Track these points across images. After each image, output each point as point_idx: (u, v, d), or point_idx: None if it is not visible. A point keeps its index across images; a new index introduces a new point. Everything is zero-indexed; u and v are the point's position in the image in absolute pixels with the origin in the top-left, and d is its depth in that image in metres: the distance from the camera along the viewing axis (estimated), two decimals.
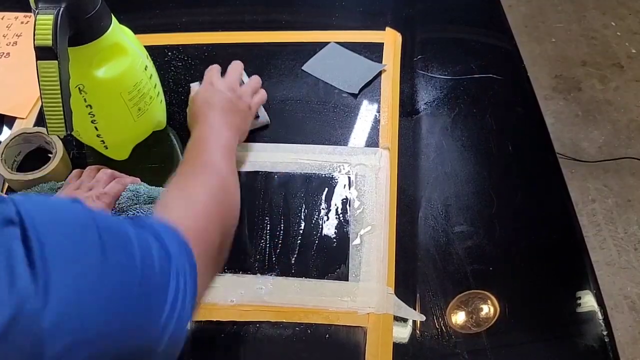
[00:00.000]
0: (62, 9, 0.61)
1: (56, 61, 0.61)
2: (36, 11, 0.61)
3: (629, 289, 1.65)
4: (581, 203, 1.83)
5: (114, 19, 0.70)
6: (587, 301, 0.69)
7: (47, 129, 0.63)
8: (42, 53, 0.60)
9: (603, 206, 1.83)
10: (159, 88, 0.81)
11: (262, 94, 0.83)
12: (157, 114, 0.82)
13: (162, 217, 0.51)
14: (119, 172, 0.77)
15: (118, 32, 0.71)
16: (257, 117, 0.85)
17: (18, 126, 0.89)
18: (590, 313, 0.68)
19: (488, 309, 0.69)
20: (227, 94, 0.76)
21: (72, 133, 0.79)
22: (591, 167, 1.91)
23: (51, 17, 0.60)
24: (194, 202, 0.57)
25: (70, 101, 0.64)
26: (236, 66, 0.84)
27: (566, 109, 2.07)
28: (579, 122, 2.03)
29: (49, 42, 0.60)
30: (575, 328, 0.68)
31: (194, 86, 0.90)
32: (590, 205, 1.83)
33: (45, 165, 0.78)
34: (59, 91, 0.61)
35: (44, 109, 0.62)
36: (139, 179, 0.78)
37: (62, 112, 0.63)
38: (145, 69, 0.75)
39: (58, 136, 0.72)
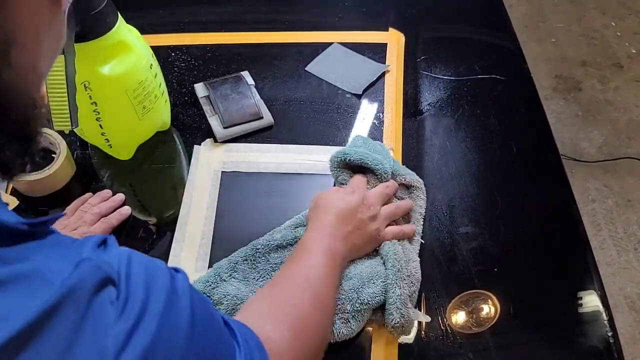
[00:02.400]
0: (69, 4, 0.61)
1: (62, 56, 0.61)
2: None
3: (629, 289, 1.66)
4: (581, 203, 1.82)
5: (119, 16, 0.70)
6: (592, 302, 0.69)
7: (52, 124, 0.64)
8: None
9: (603, 206, 1.83)
10: (164, 87, 0.81)
11: (403, 229, 0.71)
12: (162, 113, 0.82)
13: (249, 323, 0.49)
14: (109, 204, 0.77)
15: (124, 29, 0.71)
16: (260, 117, 0.85)
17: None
18: (594, 313, 0.69)
19: (493, 309, 0.69)
20: (357, 209, 0.68)
21: (77, 131, 0.80)
22: (591, 167, 1.91)
23: None
24: (285, 315, 0.55)
25: (75, 96, 0.64)
26: (391, 186, 0.73)
27: (566, 109, 2.07)
28: (579, 122, 2.04)
29: None
30: (580, 328, 0.68)
31: (198, 87, 0.90)
32: (590, 205, 1.83)
33: (49, 166, 0.78)
34: (65, 86, 0.62)
35: (50, 103, 0.62)
36: (129, 209, 0.77)
37: (67, 107, 0.63)
38: (151, 68, 0.76)
39: (63, 131, 0.72)
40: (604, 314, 0.68)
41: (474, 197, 0.79)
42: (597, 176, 1.90)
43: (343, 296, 0.65)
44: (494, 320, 0.68)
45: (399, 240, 0.70)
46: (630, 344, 1.56)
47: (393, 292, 0.65)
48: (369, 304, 0.65)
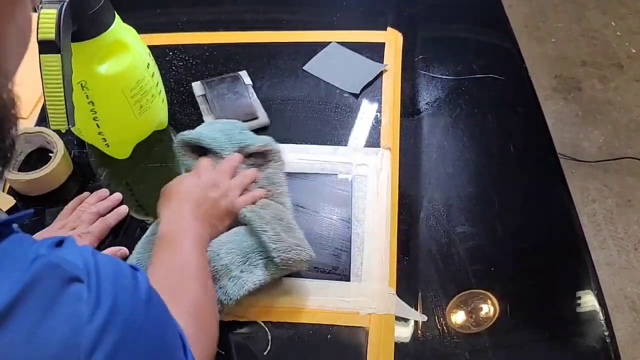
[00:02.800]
0: (66, 3, 0.61)
1: (59, 55, 0.61)
2: (40, 5, 0.61)
3: (629, 289, 1.65)
4: (581, 203, 1.83)
5: (117, 16, 0.70)
6: (589, 301, 0.69)
7: (49, 123, 0.64)
8: (45, 47, 0.61)
9: (603, 206, 1.83)
10: (161, 87, 0.81)
11: (253, 194, 0.73)
12: (159, 112, 0.82)
13: None
14: (107, 203, 0.77)
15: (121, 29, 0.71)
16: (255, 117, 0.85)
17: (19, 126, 0.89)
18: (591, 313, 0.68)
19: (489, 309, 0.69)
20: (207, 190, 0.70)
21: (74, 130, 0.80)
22: (591, 167, 1.91)
23: (55, 11, 0.60)
24: (184, 308, 0.55)
25: (72, 95, 0.64)
26: (233, 159, 0.76)
27: (566, 109, 2.07)
28: (579, 122, 2.03)
29: (52, 36, 0.60)
30: (577, 328, 0.68)
31: (196, 86, 0.90)
32: (590, 205, 1.83)
33: (47, 165, 0.78)
34: (62, 85, 0.62)
35: (46, 102, 0.63)
36: (127, 208, 0.78)
37: (64, 106, 0.63)
38: (148, 67, 0.76)
39: (60, 130, 0.72)
40: (600, 314, 0.68)
41: (471, 196, 0.79)
42: (597, 176, 1.89)
43: (224, 261, 0.66)
44: (491, 320, 0.68)
45: (254, 203, 0.72)
46: (630, 344, 1.55)
47: (263, 235, 0.67)
48: (248, 256, 0.67)
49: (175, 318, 0.47)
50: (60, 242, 0.39)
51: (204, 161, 0.75)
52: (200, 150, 0.77)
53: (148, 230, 0.73)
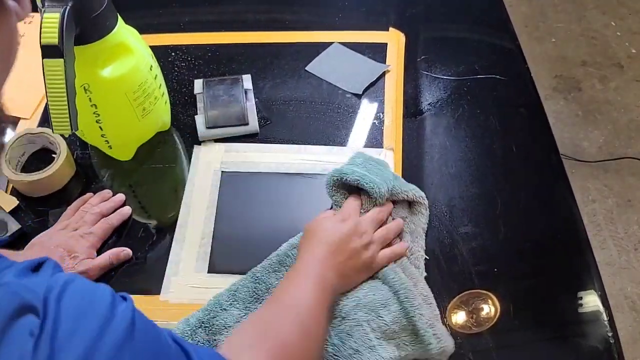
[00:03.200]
0: (68, 7, 0.61)
1: (62, 59, 0.61)
2: (43, 9, 0.61)
3: (629, 289, 1.65)
4: (581, 203, 1.82)
5: (119, 18, 0.70)
6: (592, 302, 0.69)
7: (52, 128, 0.63)
8: (48, 51, 0.60)
9: (603, 206, 1.83)
10: (164, 89, 0.81)
11: (394, 250, 0.69)
12: (162, 114, 0.82)
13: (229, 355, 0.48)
14: (110, 204, 0.77)
15: (124, 31, 0.71)
16: (245, 123, 0.85)
17: (22, 127, 0.89)
18: (594, 314, 0.69)
19: (492, 309, 0.69)
20: (349, 238, 0.65)
21: (77, 133, 0.80)
22: (591, 167, 1.91)
23: (57, 15, 0.60)
24: (266, 344, 0.53)
25: (75, 100, 0.64)
26: (384, 210, 0.71)
27: (566, 109, 2.07)
28: (579, 122, 2.03)
29: (55, 40, 0.60)
30: (580, 329, 0.68)
31: (197, 83, 0.90)
32: (590, 205, 1.83)
33: (50, 166, 0.78)
34: (65, 90, 0.62)
35: (49, 107, 0.62)
36: (130, 209, 0.77)
37: (67, 111, 0.63)
38: (151, 69, 0.76)
39: (63, 135, 0.72)
40: (604, 314, 0.68)
41: (473, 196, 0.79)
42: (597, 176, 1.90)
43: (363, 324, 0.63)
44: (494, 320, 0.68)
45: (395, 261, 0.68)
46: (630, 344, 1.56)
47: (419, 320, 0.62)
48: (394, 329, 0.63)
49: (249, 353, 0.45)
50: (38, 266, 0.36)
51: (352, 204, 0.70)
52: (349, 186, 0.72)
53: (273, 257, 0.71)
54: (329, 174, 0.73)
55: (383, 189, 0.70)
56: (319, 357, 0.59)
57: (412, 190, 0.74)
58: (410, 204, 0.75)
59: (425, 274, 0.70)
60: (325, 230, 0.66)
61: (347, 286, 0.65)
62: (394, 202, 0.74)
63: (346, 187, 0.73)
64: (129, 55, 0.72)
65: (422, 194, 0.75)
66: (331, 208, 0.74)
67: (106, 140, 0.78)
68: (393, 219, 0.73)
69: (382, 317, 0.63)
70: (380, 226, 0.70)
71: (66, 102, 0.62)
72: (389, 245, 0.70)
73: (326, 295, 0.60)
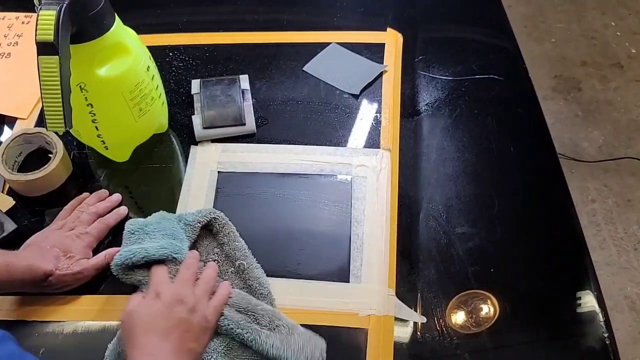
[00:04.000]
0: (65, 5, 0.61)
1: (57, 57, 0.61)
2: (39, 7, 0.61)
3: (629, 289, 1.65)
4: (581, 203, 1.82)
5: (117, 18, 0.70)
6: (588, 302, 0.69)
7: (46, 125, 0.63)
8: (44, 48, 0.60)
9: (603, 206, 1.83)
10: (161, 90, 0.81)
11: (221, 294, 0.65)
12: (159, 115, 0.82)
13: None
14: (106, 204, 0.77)
15: (121, 31, 0.71)
16: (242, 124, 0.85)
17: (19, 127, 0.89)
18: (591, 314, 0.68)
19: (489, 309, 0.69)
20: (172, 312, 0.60)
21: (73, 133, 0.80)
22: (591, 167, 1.91)
23: (54, 12, 0.60)
24: None
25: (70, 98, 0.64)
26: (190, 263, 0.67)
27: (566, 109, 2.07)
28: (579, 122, 2.03)
29: (51, 38, 0.60)
30: (576, 329, 0.68)
31: (195, 83, 0.90)
32: (590, 205, 1.83)
33: (46, 166, 0.78)
34: (59, 87, 0.62)
35: (44, 104, 0.62)
36: (126, 209, 0.77)
37: (61, 108, 0.63)
38: (148, 70, 0.75)
39: (57, 133, 0.72)
40: (600, 315, 0.68)
41: (471, 197, 0.79)
42: (597, 176, 1.89)
43: None
44: (491, 321, 0.68)
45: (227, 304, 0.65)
46: (630, 344, 1.55)
47: (279, 352, 0.61)
48: None
49: None
50: None
51: (158, 275, 0.64)
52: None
53: None
54: (113, 264, 0.66)
55: (172, 245, 0.66)
56: None
57: (201, 215, 0.71)
58: (209, 228, 0.72)
59: (262, 272, 0.69)
60: (143, 317, 0.59)
61: (196, 357, 0.60)
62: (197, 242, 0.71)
63: (145, 265, 0.67)
64: (126, 55, 0.72)
65: (210, 210, 0.72)
66: (138, 290, 0.67)
67: (102, 141, 0.78)
68: (204, 263, 0.70)
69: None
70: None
71: (60, 100, 0.62)
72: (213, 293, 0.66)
73: None
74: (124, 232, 0.70)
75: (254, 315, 0.65)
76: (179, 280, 0.64)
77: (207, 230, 0.73)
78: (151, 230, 0.69)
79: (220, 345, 0.64)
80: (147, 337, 0.58)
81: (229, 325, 0.63)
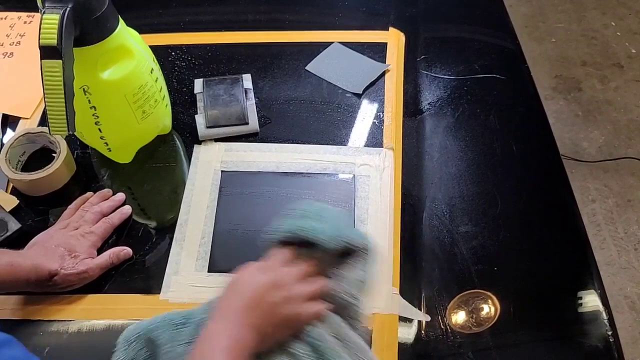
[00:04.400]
0: (68, 8, 0.61)
1: (60, 61, 0.61)
2: (42, 10, 0.61)
3: (629, 289, 1.65)
4: (581, 203, 1.82)
5: (120, 20, 0.70)
6: (592, 301, 0.69)
7: (49, 129, 0.63)
8: (47, 52, 0.60)
9: (603, 206, 1.83)
10: (165, 92, 0.81)
11: (319, 305, 0.60)
12: (162, 117, 0.82)
13: None
14: (110, 203, 0.77)
15: (124, 33, 0.71)
16: (245, 123, 0.85)
17: (22, 126, 0.89)
18: (594, 313, 0.69)
19: (492, 308, 0.69)
20: (267, 290, 0.58)
21: (76, 134, 0.80)
22: (591, 167, 1.91)
23: (57, 16, 0.60)
24: None
25: (73, 101, 0.64)
26: (317, 282, 0.61)
27: (566, 109, 2.07)
28: (579, 122, 2.03)
29: (54, 42, 0.60)
30: (580, 328, 0.68)
31: (198, 82, 0.90)
32: (590, 205, 1.83)
33: (49, 165, 0.78)
34: (63, 91, 0.61)
35: (47, 108, 0.62)
36: (130, 208, 0.77)
37: (65, 112, 0.63)
38: (151, 72, 0.75)
39: (60, 136, 0.72)
40: (604, 314, 0.68)
41: (473, 196, 0.79)
42: (597, 176, 1.89)
43: None
44: (494, 320, 0.68)
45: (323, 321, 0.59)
46: (630, 344, 1.55)
47: None
48: None
49: None
50: None
51: (279, 255, 0.62)
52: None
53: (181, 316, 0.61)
54: (268, 234, 0.63)
55: (329, 235, 0.60)
56: None
57: (356, 237, 0.62)
58: (350, 254, 0.63)
59: (365, 346, 0.59)
60: (243, 284, 0.59)
61: (267, 344, 0.58)
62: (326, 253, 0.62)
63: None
64: (130, 58, 0.72)
65: (367, 241, 0.63)
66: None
67: (105, 143, 0.78)
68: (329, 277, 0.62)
69: None
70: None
71: (64, 104, 0.62)
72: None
73: (244, 358, 0.55)
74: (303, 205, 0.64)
75: (346, 343, 0.59)
76: (292, 270, 0.61)
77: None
78: (326, 214, 0.63)
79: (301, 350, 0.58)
80: (235, 303, 0.57)
81: (318, 339, 0.58)
